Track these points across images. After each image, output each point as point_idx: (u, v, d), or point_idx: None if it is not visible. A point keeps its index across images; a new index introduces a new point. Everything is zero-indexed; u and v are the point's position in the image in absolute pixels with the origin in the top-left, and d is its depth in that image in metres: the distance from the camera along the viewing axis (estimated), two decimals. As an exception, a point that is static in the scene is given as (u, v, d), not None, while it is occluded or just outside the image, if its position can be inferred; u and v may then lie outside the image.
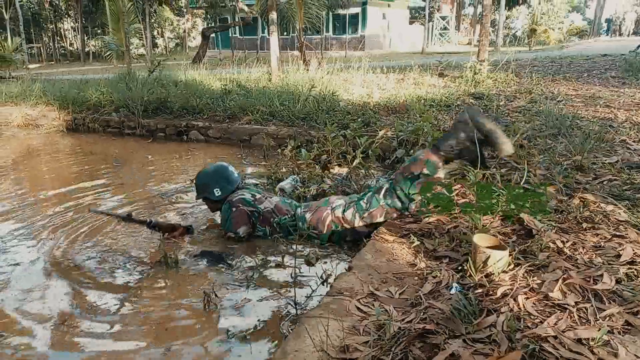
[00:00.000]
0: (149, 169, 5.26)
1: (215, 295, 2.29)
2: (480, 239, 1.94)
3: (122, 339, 2.15)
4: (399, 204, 2.77)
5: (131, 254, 3.00)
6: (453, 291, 1.80)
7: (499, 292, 1.74)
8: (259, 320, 2.20)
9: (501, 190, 2.33)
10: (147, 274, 2.73)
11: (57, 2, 33.31)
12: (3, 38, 17.44)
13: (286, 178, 4.15)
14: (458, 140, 2.67)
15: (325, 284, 2.40)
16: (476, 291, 1.77)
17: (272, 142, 5.72)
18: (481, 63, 7.96)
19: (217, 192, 3.25)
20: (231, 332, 2.11)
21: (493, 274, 1.85)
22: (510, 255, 1.93)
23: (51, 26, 34.98)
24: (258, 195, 3.20)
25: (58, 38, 36.95)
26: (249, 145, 6.00)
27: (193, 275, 2.69)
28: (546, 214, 2.27)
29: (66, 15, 35.98)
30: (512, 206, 2.24)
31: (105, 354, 2.05)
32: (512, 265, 1.91)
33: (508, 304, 1.66)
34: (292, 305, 2.22)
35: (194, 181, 3.44)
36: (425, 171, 2.70)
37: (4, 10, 26.16)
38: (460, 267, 2.00)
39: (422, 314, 1.68)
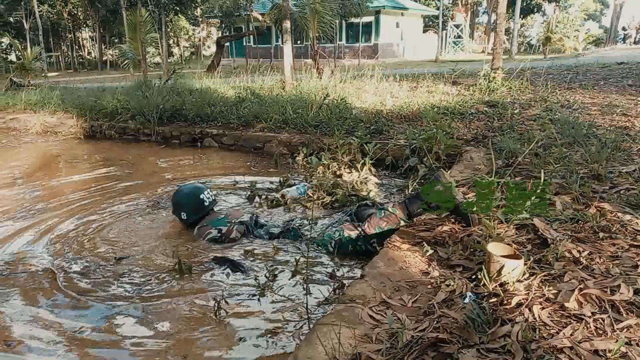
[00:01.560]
0: (158, 174, 5.32)
1: (226, 302, 2.30)
2: (494, 248, 1.92)
3: (133, 345, 2.16)
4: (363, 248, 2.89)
5: (144, 259, 3.03)
6: (467, 300, 1.78)
7: (514, 301, 1.72)
8: (270, 327, 2.20)
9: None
10: (160, 280, 2.75)
11: (76, 12, 33.97)
12: (23, 47, 17.82)
13: (296, 184, 4.16)
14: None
15: (337, 291, 2.40)
16: (490, 300, 1.75)
17: (284, 150, 5.75)
18: (495, 71, 7.92)
19: (184, 216, 3.47)
20: (243, 339, 2.11)
21: (507, 283, 1.82)
22: (525, 264, 1.91)
23: (70, 35, 35.68)
24: (224, 229, 3.28)
25: (76, 47, 37.64)
26: (262, 153, 6.03)
27: (206, 282, 2.70)
28: (546, 213, 2.26)
29: (84, 25, 36.68)
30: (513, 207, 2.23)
31: (116, 358, 2.07)
32: (527, 275, 1.88)
33: (523, 314, 1.64)
34: (303, 312, 2.22)
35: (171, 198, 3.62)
36: (402, 223, 2.79)
37: (24, 20, 26.81)
38: (474, 276, 1.97)
39: (435, 322, 1.67)
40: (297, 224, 3.31)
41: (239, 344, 2.09)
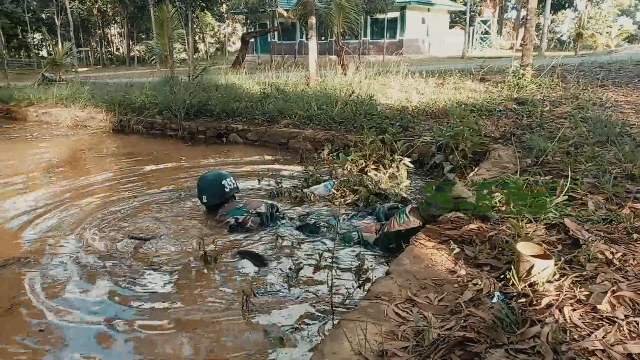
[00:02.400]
0: (182, 168, 5.41)
1: (255, 295, 2.32)
2: (523, 247, 1.89)
3: (160, 336, 2.20)
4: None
5: (171, 250, 3.08)
6: (495, 300, 1.75)
7: (544, 302, 1.69)
8: (296, 321, 2.21)
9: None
10: (186, 271, 2.79)
11: (105, 9, 34.66)
12: (54, 43, 18.28)
13: (324, 181, 4.17)
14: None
15: (362, 287, 2.39)
16: (519, 300, 1.72)
17: (309, 146, 5.75)
18: (525, 68, 7.75)
19: (204, 199, 3.69)
20: (269, 332, 2.13)
21: (537, 283, 1.79)
22: (555, 264, 1.87)
23: (99, 31, 36.48)
24: (241, 218, 3.41)
25: (105, 43, 38.46)
26: (287, 148, 6.06)
27: (231, 275, 2.74)
28: (545, 211, 2.23)
29: (113, 21, 37.43)
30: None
31: (144, 350, 2.12)
32: (557, 275, 1.84)
33: (553, 315, 1.61)
34: (328, 307, 2.22)
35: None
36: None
37: (55, 17, 27.49)
38: (502, 276, 1.95)
39: (462, 321, 1.65)
40: (313, 220, 3.33)
41: (264, 337, 2.11)
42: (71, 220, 3.68)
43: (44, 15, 32.01)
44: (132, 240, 3.21)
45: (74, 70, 15.95)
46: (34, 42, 33.04)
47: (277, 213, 3.53)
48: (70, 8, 25.49)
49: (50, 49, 15.61)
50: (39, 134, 8.00)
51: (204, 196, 3.67)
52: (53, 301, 2.52)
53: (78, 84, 11.14)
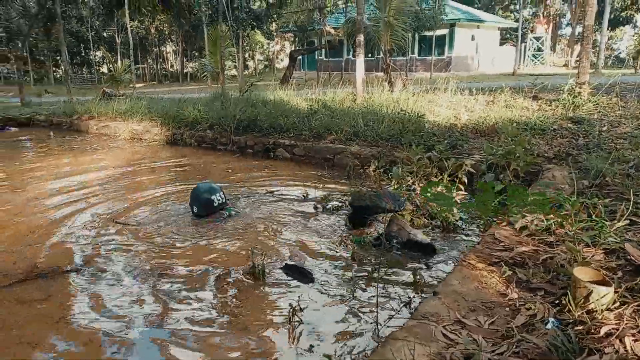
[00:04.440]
0: (229, 180, 5.55)
1: (301, 309, 2.34)
2: (581, 272, 1.81)
3: (207, 344, 2.25)
4: None
5: (220, 261, 3.15)
6: (549, 326, 1.69)
7: (603, 331, 1.61)
8: (341, 337, 2.21)
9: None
10: (235, 282, 2.84)
11: (162, 28, 36.34)
12: (114, 60, 19.30)
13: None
14: None
15: (408, 306, 2.37)
16: (576, 328, 1.65)
17: (355, 162, 5.76)
18: (581, 86, 7.47)
19: (194, 210, 4.08)
20: (314, 347, 2.13)
21: (596, 311, 1.71)
22: (615, 292, 1.78)
23: (155, 49, 38.25)
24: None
25: (161, 60, 40.26)
26: (333, 164, 6.09)
27: (278, 288, 2.77)
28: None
29: (169, 40, 39.19)
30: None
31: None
32: (617, 303, 1.76)
33: (613, 345, 1.53)
34: (374, 325, 2.20)
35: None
36: None
37: (116, 35, 29.12)
38: (557, 301, 1.87)
39: (514, 347, 1.60)
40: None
41: (308, 352, 2.12)
42: (127, 231, 3.83)
43: (105, 34, 34.00)
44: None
45: (132, 86, 16.73)
46: (95, 59, 35.01)
47: None
48: (130, 27, 26.96)
49: (111, 65, 16.45)
50: (98, 146, 8.44)
51: (194, 207, 4.06)
52: (104, 311, 2.60)
53: (135, 99, 11.70)
